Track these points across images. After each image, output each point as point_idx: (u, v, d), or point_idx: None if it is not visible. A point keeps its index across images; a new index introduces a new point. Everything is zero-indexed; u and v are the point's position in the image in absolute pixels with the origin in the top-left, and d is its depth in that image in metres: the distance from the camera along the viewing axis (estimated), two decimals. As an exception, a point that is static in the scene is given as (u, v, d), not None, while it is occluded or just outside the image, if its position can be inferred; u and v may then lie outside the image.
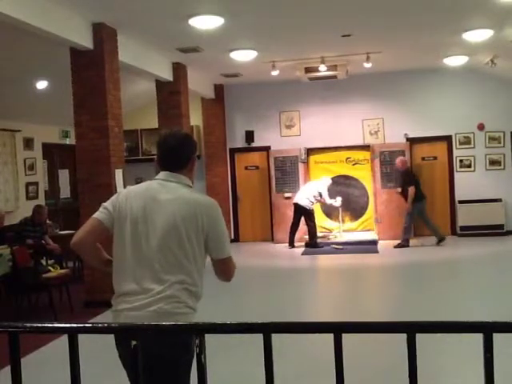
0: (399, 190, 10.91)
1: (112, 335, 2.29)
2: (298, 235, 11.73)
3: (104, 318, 6.18)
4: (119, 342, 2.47)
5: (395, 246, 10.77)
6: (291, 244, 11.30)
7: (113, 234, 2.58)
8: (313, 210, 11.29)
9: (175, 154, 2.62)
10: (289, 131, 12.43)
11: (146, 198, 2.53)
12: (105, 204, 2.61)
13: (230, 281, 2.65)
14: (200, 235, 2.49)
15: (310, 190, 11.28)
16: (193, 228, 2.47)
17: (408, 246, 10.74)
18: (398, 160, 11.00)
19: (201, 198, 2.59)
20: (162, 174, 2.62)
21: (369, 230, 11.94)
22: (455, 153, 11.94)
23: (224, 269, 2.60)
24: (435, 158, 12.08)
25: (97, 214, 2.58)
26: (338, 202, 11.43)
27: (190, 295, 2.47)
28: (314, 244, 11.18)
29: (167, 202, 2.50)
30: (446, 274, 8.79)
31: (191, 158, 2.65)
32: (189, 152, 2.65)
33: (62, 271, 7.40)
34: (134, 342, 1.54)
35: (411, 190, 10.51)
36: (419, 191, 10.71)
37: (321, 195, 11.25)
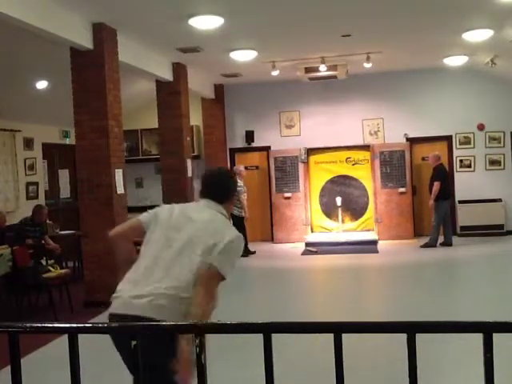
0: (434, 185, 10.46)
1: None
2: (296, 235, 11.76)
3: (104, 317, 6.16)
4: (114, 339, 2.58)
5: (422, 246, 10.58)
6: None
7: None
8: (237, 216, 10.10)
9: (218, 191, 2.88)
10: (289, 131, 12.42)
11: (185, 212, 2.81)
12: (150, 210, 2.89)
13: (199, 312, 2.47)
14: (211, 258, 2.62)
15: None
16: (209, 250, 2.60)
17: (435, 246, 10.44)
18: (431, 156, 10.84)
19: (230, 230, 2.74)
20: (205, 201, 2.86)
21: (369, 230, 11.94)
22: (455, 153, 11.94)
23: (204, 283, 2.54)
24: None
25: (140, 216, 2.86)
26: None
27: (185, 303, 2.56)
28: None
29: (201, 221, 2.74)
30: (446, 274, 8.80)
31: (231, 197, 2.94)
32: (230, 191, 2.95)
33: (62, 271, 7.39)
34: (133, 342, 1.54)
35: (436, 185, 10.35)
36: (446, 189, 10.53)
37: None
